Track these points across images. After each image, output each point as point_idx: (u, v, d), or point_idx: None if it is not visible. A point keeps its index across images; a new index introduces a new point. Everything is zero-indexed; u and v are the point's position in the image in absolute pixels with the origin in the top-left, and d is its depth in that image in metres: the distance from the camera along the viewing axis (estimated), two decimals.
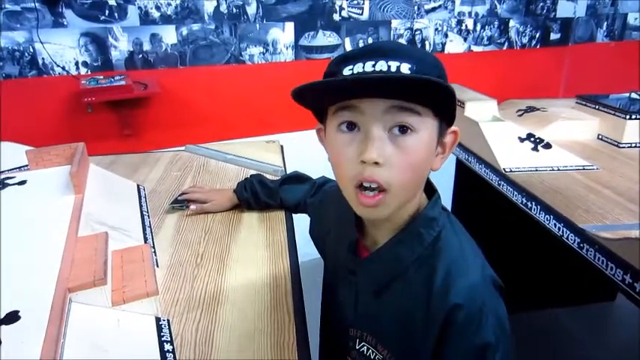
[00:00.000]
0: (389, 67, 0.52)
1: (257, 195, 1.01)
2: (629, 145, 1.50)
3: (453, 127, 0.61)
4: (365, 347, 0.66)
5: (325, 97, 0.58)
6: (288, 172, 1.21)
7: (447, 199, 2.16)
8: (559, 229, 1.10)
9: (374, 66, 0.52)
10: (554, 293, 2.15)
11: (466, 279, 0.57)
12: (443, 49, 2.42)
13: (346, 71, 0.54)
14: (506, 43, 2.52)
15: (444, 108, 0.57)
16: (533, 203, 1.20)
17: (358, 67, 0.53)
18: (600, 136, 1.59)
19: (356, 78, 0.53)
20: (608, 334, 2.12)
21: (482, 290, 0.58)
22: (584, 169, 1.34)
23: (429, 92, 0.53)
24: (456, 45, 2.44)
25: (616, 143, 1.52)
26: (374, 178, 0.55)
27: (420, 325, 0.58)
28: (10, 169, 1.07)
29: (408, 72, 0.52)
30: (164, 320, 0.66)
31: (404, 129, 0.54)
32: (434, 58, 0.57)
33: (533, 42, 2.55)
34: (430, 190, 0.66)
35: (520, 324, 2.04)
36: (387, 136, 0.55)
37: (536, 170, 1.34)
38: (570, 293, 2.14)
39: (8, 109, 1.81)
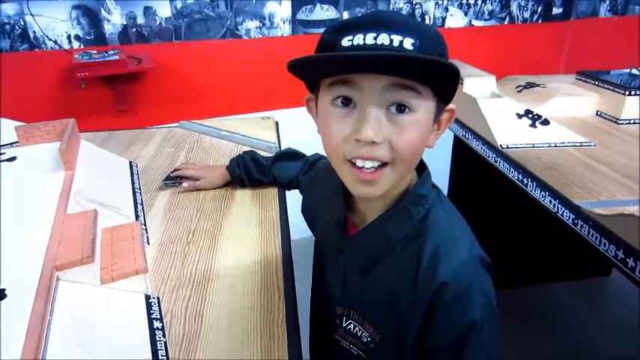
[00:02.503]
0: (391, 40, 0.49)
1: (250, 172, 1.00)
2: (628, 121, 1.48)
3: (450, 105, 0.59)
4: (352, 325, 0.66)
5: (322, 70, 0.56)
6: (282, 148, 1.20)
7: (444, 175, 2.15)
8: (554, 205, 1.10)
9: (375, 38, 0.49)
10: (550, 268, 2.17)
11: (454, 257, 0.57)
12: (443, 24, 2.37)
13: (345, 42, 0.51)
14: (508, 18, 2.47)
15: (445, 88, 0.55)
16: (529, 180, 1.19)
17: (358, 39, 0.50)
18: (599, 113, 1.57)
19: (359, 55, 0.50)
20: (604, 308, 2.15)
21: (470, 269, 0.57)
22: (581, 145, 1.32)
23: (432, 72, 0.51)
24: (456, 19, 2.39)
25: (615, 120, 1.50)
26: (372, 156, 0.53)
27: (407, 302, 0.58)
28: (1, 146, 1.06)
29: (411, 47, 0.49)
30: (154, 298, 0.66)
31: (402, 108, 0.52)
32: (436, 34, 0.54)
33: (535, 16, 2.50)
34: (421, 167, 0.64)
35: (516, 299, 2.09)
36: (385, 114, 0.53)
37: (534, 147, 1.32)
38: (566, 268, 2.16)
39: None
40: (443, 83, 0.53)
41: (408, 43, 0.49)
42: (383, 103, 0.52)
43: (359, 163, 0.54)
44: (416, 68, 0.50)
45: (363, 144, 0.53)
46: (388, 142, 0.53)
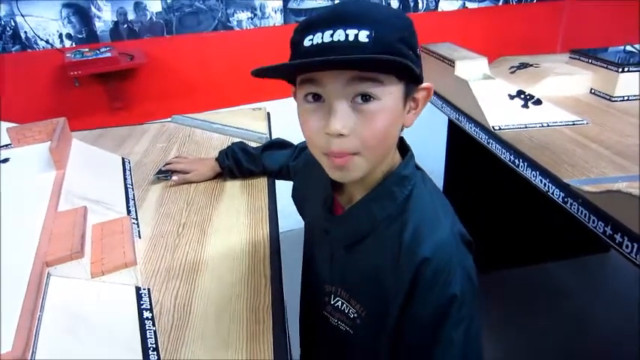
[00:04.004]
0: (347, 35, 0.52)
1: (239, 162, 1.02)
2: (622, 98, 1.47)
3: (426, 84, 0.61)
4: (339, 302, 0.68)
5: (286, 74, 0.59)
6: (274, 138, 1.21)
7: (440, 159, 2.15)
8: (545, 184, 1.10)
9: (332, 35, 0.52)
10: (548, 247, 2.18)
11: (435, 235, 0.59)
12: (436, 7, 2.35)
13: (307, 42, 0.54)
14: None
15: (405, 74, 0.56)
16: (520, 160, 1.19)
17: (317, 38, 0.53)
18: (593, 91, 1.56)
19: (304, 63, 0.53)
20: (603, 285, 2.16)
21: (451, 245, 0.59)
22: (574, 124, 1.32)
23: (386, 64, 0.53)
24: (449, 2, 2.37)
25: (608, 97, 1.49)
26: (341, 150, 0.56)
27: (390, 279, 0.60)
28: None
29: (366, 40, 0.52)
30: (144, 289, 0.68)
31: (366, 97, 0.55)
32: (399, 19, 0.56)
33: None
34: (404, 148, 0.66)
35: (516, 279, 2.10)
36: (350, 106, 0.55)
37: (526, 127, 1.32)
38: (564, 247, 2.17)
39: None
40: (401, 71, 0.55)
41: (363, 36, 0.52)
42: (347, 96, 0.55)
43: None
44: (366, 63, 0.52)
45: (333, 137, 0.55)
46: (355, 133, 0.55)
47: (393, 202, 0.62)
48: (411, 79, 0.58)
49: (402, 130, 0.62)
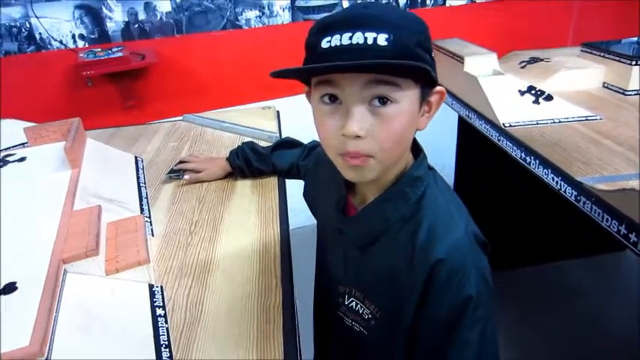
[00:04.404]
0: (365, 38, 0.52)
1: (249, 162, 1.03)
2: (636, 92, 1.45)
3: (439, 88, 0.61)
4: (353, 302, 0.69)
5: (305, 75, 0.60)
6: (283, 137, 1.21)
7: (450, 156, 2.14)
8: (557, 182, 1.09)
9: (350, 38, 0.52)
10: (564, 245, 2.16)
11: (449, 235, 0.59)
12: (444, 2, 2.34)
13: (324, 43, 0.54)
14: None
15: (422, 77, 0.57)
16: (532, 157, 1.18)
17: (335, 40, 0.53)
18: (606, 85, 1.54)
19: (328, 66, 0.53)
20: (619, 283, 2.13)
21: (465, 246, 0.59)
22: (586, 119, 1.30)
23: (408, 68, 0.53)
24: None
25: (622, 91, 1.47)
26: (358, 151, 0.56)
27: (404, 279, 0.60)
28: (13, 146, 1.10)
29: (385, 43, 0.52)
30: (157, 287, 0.69)
31: (384, 100, 0.55)
32: (415, 23, 0.56)
33: None
34: (417, 149, 0.67)
35: (530, 277, 2.08)
36: (368, 108, 0.55)
37: (537, 124, 1.31)
38: (580, 245, 2.14)
39: (10, 86, 1.84)
40: (419, 75, 0.56)
41: (382, 39, 0.52)
42: (365, 99, 0.55)
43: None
44: (388, 67, 0.53)
45: (350, 138, 0.56)
46: (372, 135, 0.56)
47: (406, 202, 0.62)
48: (427, 82, 0.58)
49: (415, 133, 0.63)
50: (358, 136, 0.55)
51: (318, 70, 0.56)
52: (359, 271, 0.68)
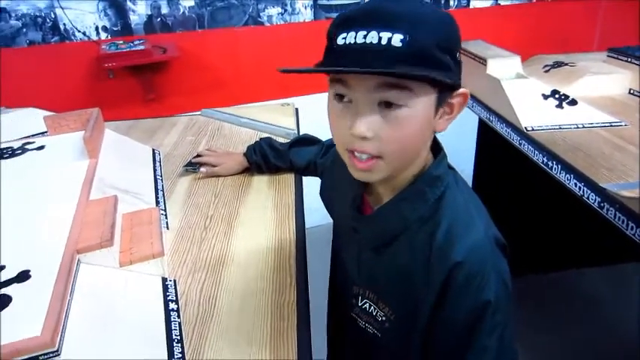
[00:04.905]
0: (380, 38, 0.50)
1: (267, 158, 1.02)
2: None
3: (462, 90, 0.59)
4: (367, 304, 0.68)
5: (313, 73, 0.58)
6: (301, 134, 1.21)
7: (469, 158, 2.11)
8: (580, 188, 1.07)
9: (365, 37, 0.51)
10: (582, 252, 2.11)
11: (468, 237, 0.57)
12: (468, 4, 2.31)
13: (340, 39, 0.53)
14: None
15: (438, 82, 0.54)
16: (554, 162, 1.16)
17: (350, 37, 0.52)
18: (632, 91, 1.50)
19: (329, 70, 0.54)
20: (638, 293, 2.08)
21: (485, 249, 0.58)
22: (611, 125, 1.28)
23: (411, 77, 0.52)
24: None
25: None
26: (363, 150, 0.56)
27: (421, 281, 0.59)
28: (33, 135, 1.11)
29: (400, 44, 0.50)
30: (170, 280, 0.69)
31: (394, 103, 0.54)
32: (438, 22, 0.54)
33: None
34: (437, 148, 0.65)
35: (549, 284, 2.04)
36: (378, 110, 0.54)
37: (560, 128, 1.29)
38: (600, 252, 2.09)
39: (33, 75, 1.86)
40: (432, 80, 0.53)
41: (397, 40, 0.50)
42: (374, 101, 0.54)
43: (356, 153, 0.57)
44: (391, 74, 0.51)
45: (357, 138, 0.55)
46: (380, 137, 0.55)
47: (424, 202, 0.61)
48: (446, 85, 0.56)
49: (432, 135, 0.61)
50: (365, 137, 0.54)
51: (320, 72, 0.55)
52: (373, 272, 0.66)
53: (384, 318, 0.65)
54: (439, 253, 0.57)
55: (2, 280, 0.55)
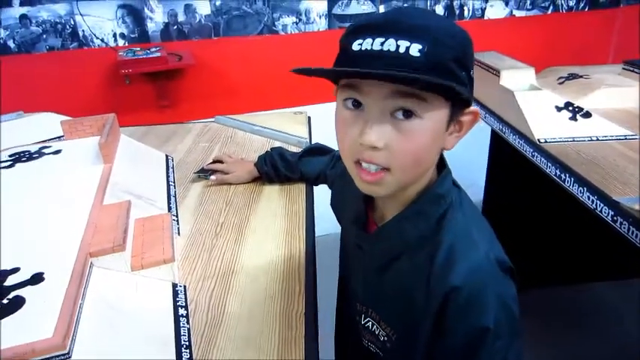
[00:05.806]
0: (398, 47, 0.49)
1: (277, 168, 1.02)
2: None
3: (473, 108, 0.57)
4: (370, 322, 0.67)
5: (330, 76, 0.57)
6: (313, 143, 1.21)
7: (481, 170, 2.10)
8: (592, 201, 1.06)
9: (382, 44, 0.49)
10: (597, 267, 2.08)
11: (468, 259, 0.55)
12: (482, 15, 2.31)
13: (355, 45, 0.51)
14: (551, 7, 2.36)
15: (453, 96, 0.53)
16: (567, 175, 1.15)
17: (367, 44, 0.50)
18: None
19: (353, 72, 0.51)
20: None
21: (485, 272, 0.55)
22: (625, 138, 1.26)
23: (434, 86, 0.50)
24: (496, 10, 2.32)
25: None
26: (372, 160, 0.54)
27: (421, 303, 0.57)
28: (50, 139, 1.13)
29: (418, 54, 0.49)
30: (180, 286, 0.70)
31: (408, 113, 0.52)
32: (456, 37, 0.52)
33: (581, 4, 2.39)
34: (441, 164, 0.63)
35: (561, 297, 2.00)
36: (390, 120, 0.52)
37: (574, 141, 1.27)
38: (613, 267, 2.06)
39: (51, 80, 1.90)
40: (447, 92, 0.52)
41: (415, 50, 0.49)
42: (387, 109, 0.52)
43: (364, 164, 0.55)
44: (412, 81, 0.49)
45: (366, 147, 0.53)
46: (390, 148, 0.53)
47: (426, 221, 0.59)
48: (459, 101, 0.55)
49: (440, 152, 0.59)
50: (375, 147, 0.52)
51: (336, 74, 0.53)
52: (376, 291, 0.65)
53: (385, 338, 0.64)
54: (438, 276, 0.55)
55: (17, 282, 0.56)
